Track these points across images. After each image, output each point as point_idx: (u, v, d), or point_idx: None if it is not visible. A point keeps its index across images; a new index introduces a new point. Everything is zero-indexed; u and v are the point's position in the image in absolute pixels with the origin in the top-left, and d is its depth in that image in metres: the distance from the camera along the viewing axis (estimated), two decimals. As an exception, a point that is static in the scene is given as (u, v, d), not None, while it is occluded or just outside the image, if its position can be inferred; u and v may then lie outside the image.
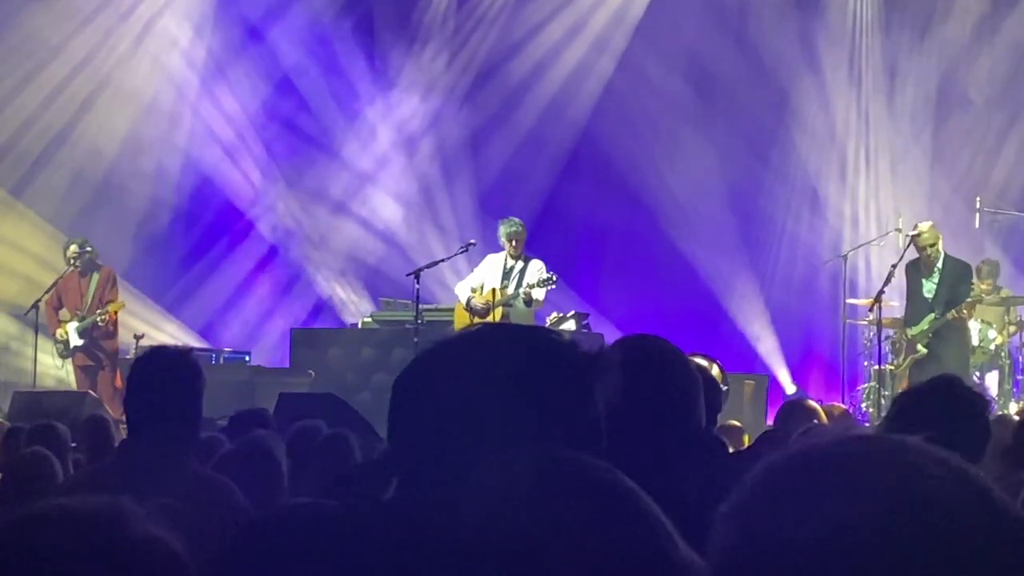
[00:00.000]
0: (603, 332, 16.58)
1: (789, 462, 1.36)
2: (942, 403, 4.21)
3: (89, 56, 18.29)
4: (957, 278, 13.69)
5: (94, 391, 14.83)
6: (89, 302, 15.23)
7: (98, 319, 15.02)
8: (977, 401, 4.34)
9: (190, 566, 1.61)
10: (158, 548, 1.58)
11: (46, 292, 15.63)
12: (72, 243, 15.42)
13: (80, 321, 15.12)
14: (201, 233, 19.25)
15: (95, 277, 15.35)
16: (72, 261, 15.33)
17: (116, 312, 15.13)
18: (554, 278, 14.21)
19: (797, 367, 18.05)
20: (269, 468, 5.26)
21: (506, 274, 14.28)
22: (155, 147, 18.62)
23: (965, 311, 13.60)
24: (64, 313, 15.33)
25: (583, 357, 2.12)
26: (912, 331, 13.76)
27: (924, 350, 13.65)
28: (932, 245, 13.64)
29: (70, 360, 15.39)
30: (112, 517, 1.57)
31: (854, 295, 15.78)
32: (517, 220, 14.65)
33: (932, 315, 13.63)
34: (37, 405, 11.97)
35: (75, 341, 15.12)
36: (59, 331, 15.26)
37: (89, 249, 15.41)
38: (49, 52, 17.95)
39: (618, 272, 19.09)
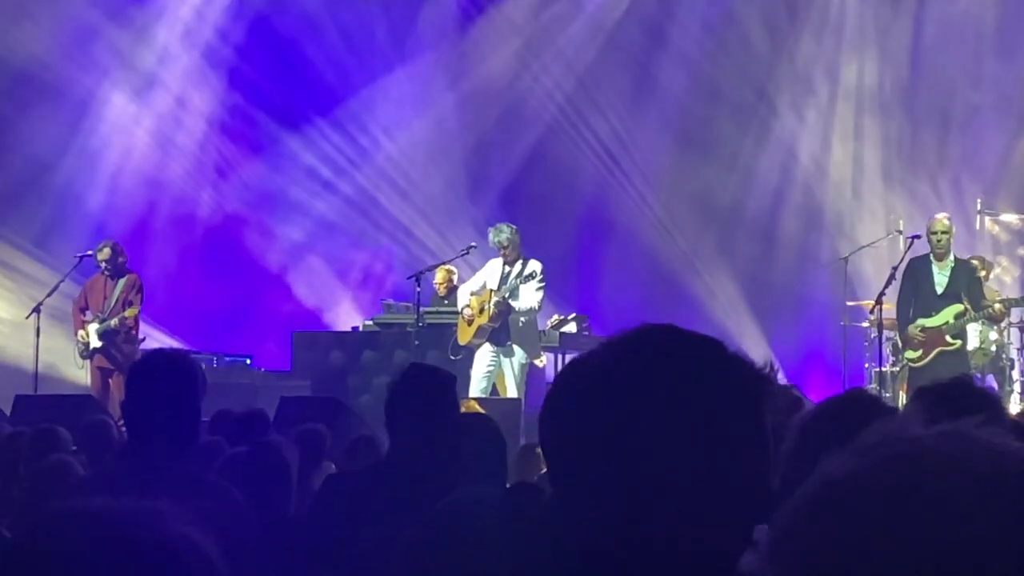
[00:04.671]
0: (604, 335, 16.60)
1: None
2: (968, 401, 4.13)
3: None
4: (970, 278, 13.73)
5: (108, 393, 14.86)
6: (112, 305, 15.24)
7: (113, 323, 15.05)
8: (997, 401, 4.29)
9: (222, 568, 1.61)
10: (195, 548, 1.58)
11: (47, 295, 15.62)
12: (105, 246, 15.40)
13: (100, 323, 15.15)
14: (201, 235, 19.27)
15: (121, 282, 15.35)
16: (104, 264, 15.35)
17: (132, 317, 15.13)
18: (537, 274, 14.08)
19: (796, 370, 18.03)
20: (280, 472, 5.27)
21: (504, 278, 14.24)
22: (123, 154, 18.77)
23: (999, 308, 13.73)
24: (89, 315, 15.37)
25: (755, 373, 1.86)
26: (931, 322, 13.68)
27: (956, 342, 13.64)
28: (945, 233, 13.63)
29: (89, 361, 15.40)
30: (151, 516, 1.57)
31: (854, 298, 15.77)
32: (506, 226, 14.42)
33: (957, 307, 13.59)
34: (39, 408, 11.97)
35: (95, 343, 15.15)
36: (81, 332, 15.29)
37: (121, 257, 15.39)
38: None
39: (619, 274, 19.10)
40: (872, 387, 14.93)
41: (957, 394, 4.05)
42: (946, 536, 1.11)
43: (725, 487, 1.75)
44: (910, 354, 13.82)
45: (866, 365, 15.48)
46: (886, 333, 14.46)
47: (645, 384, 1.77)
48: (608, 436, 1.76)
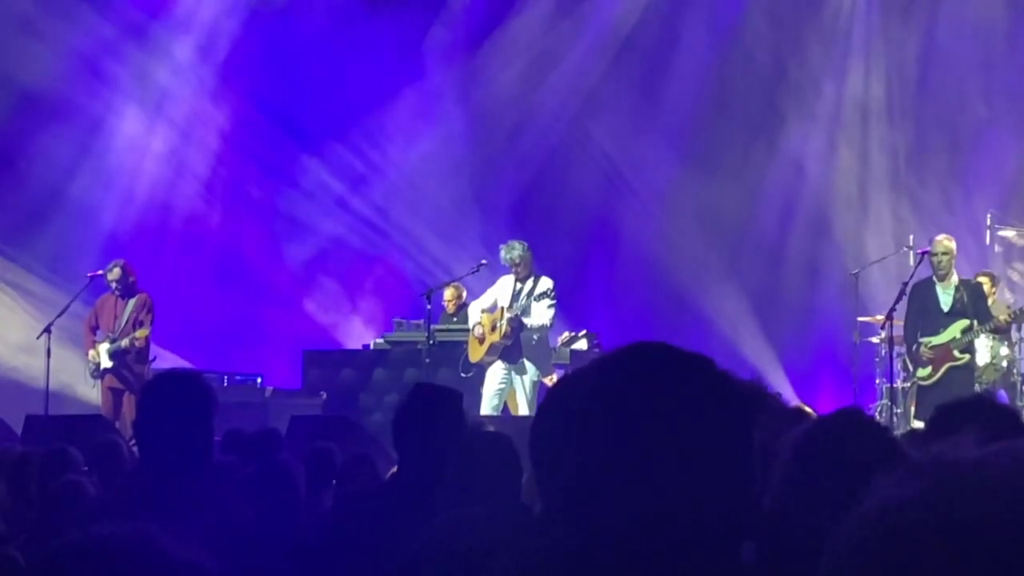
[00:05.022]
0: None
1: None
2: (988, 418, 4.07)
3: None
4: (975, 295, 13.78)
5: (120, 413, 14.88)
6: (123, 325, 15.25)
7: (124, 343, 15.07)
8: (1017, 416, 4.22)
9: None
10: (198, 572, 1.60)
11: (58, 316, 15.66)
12: (115, 266, 15.40)
13: (111, 343, 15.16)
14: (212, 253, 19.29)
15: (132, 301, 15.36)
16: (114, 284, 15.36)
17: (143, 337, 15.13)
18: (549, 291, 14.10)
19: (807, 386, 18.00)
20: (288, 491, 5.27)
21: (515, 295, 14.24)
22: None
23: (1004, 318, 13.75)
24: (100, 335, 15.40)
25: (743, 391, 1.88)
26: (938, 339, 13.71)
27: (964, 356, 13.67)
28: (946, 254, 13.68)
29: (100, 381, 15.41)
30: (157, 543, 1.59)
31: (864, 313, 15.75)
32: (516, 243, 14.41)
33: (963, 322, 13.64)
34: (50, 428, 11.99)
35: (105, 363, 15.16)
36: (92, 352, 15.30)
37: (132, 278, 15.40)
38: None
39: (628, 290, 19.09)
40: (883, 403, 14.92)
41: (977, 410, 4.02)
42: (1013, 557, 1.07)
43: (711, 502, 1.77)
44: (920, 372, 13.84)
45: (877, 381, 15.45)
46: (897, 349, 14.46)
47: (634, 401, 1.80)
48: (598, 452, 1.78)
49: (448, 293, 15.70)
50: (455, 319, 15.49)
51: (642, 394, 1.81)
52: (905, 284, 13.99)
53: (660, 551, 1.76)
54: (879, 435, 3.43)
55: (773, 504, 2.08)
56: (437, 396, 5.29)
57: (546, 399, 1.92)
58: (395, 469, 5.59)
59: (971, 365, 13.71)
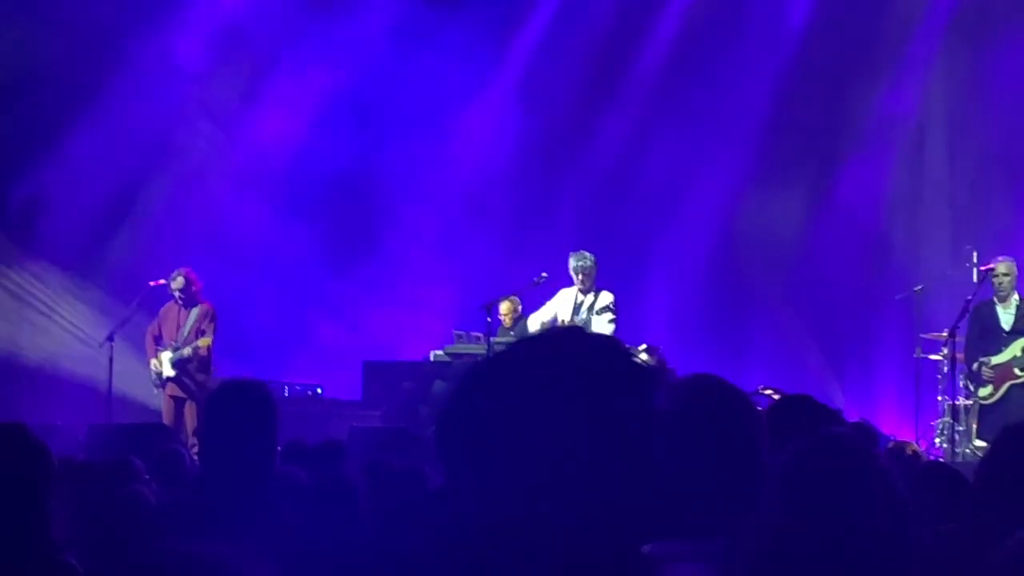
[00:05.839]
0: (675, 366, 16.54)
1: None
2: None
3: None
4: None
5: (181, 422, 14.98)
6: (186, 335, 15.35)
7: (186, 352, 15.16)
8: None
9: None
10: None
11: (121, 324, 15.78)
12: (178, 275, 15.49)
13: (173, 352, 15.26)
14: (273, 263, 19.37)
15: (195, 311, 15.46)
16: (177, 294, 15.46)
17: (206, 347, 15.21)
18: (611, 306, 14.08)
19: (868, 403, 17.87)
20: (350, 504, 5.27)
21: (576, 308, 14.22)
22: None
23: None
24: (163, 343, 15.51)
25: (643, 368, 2.03)
26: (999, 359, 13.66)
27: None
28: (1007, 275, 13.65)
29: (163, 389, 15.51)
30: (222, 564, 1.59)
31: (927, 330, 15.63)
32: (588, 254, 14.45)
33: (1023, 340, 13.59)
34: (112, 438, 12.07)
35: (168, 372, 15.25)
36: (154, 361, 15.39)
37: (196, 287, 15.48)
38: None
39: (689, 306, 19.03)
40: (945, 420, 14.81)
41: None
42: None
43: (613, 474, 1.91)
44: (981, 392, 13.77)
45: (939, 398, 15.34)
46: (959, 366, 14.36)
47: (538, 382, 1.95)
48: (503, 431, 1.93)
49: (504, 307, 15.69)
50: (512, 332, 15.48)
51: (545, 375, 1.95)
52: (968, 301, 13.93)
53: (563, 523, 1.89)
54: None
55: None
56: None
57: (454, 388, 2.07)
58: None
59: None
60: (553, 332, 2.08)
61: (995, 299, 13.83)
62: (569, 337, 2.04)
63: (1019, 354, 13.60)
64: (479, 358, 2.06)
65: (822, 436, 2.51)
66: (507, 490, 1.92)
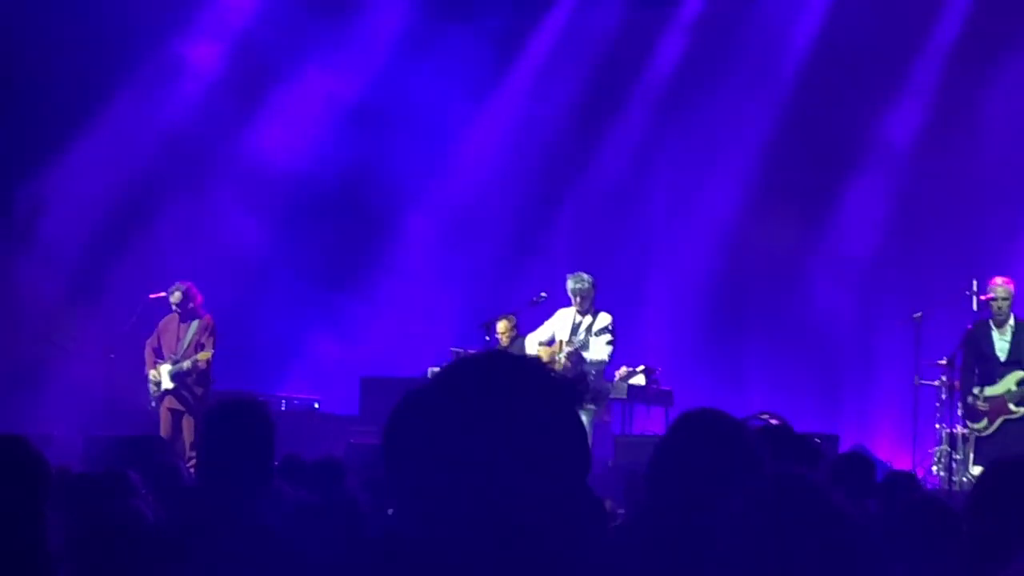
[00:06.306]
0: (672, 388, 16.56)
1: None
2: None
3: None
4: None
5: (179, 434, 14.97)
6: (184, 348, 15.36)
7: (185, 365, 15.17)
8: None
9: None
10: None
11: (120, 337, 15.81)
12: (177, 289, 15.52)
13: (173, 365, 15.27)
14: (270, 278, 19.38)
15: (195, 324, 15.48)
16: (176, 307, 15.48)
17: (205, 361, 15.22)
18: (609, 327, 14.08)
19: (866, 429, 17.87)
20: (355, 522, 5.28)
21: (574, 328, 14.23)
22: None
23: None
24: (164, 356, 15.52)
25: (562, 383, 2.20)
26: (993, 390, 13.60)
27: (1020, 410, 13.52)
28: (1005, 299, 13.59)
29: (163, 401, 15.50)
30: None
31: (925, 358, 15.63)
32: (585, 276, 14.42)
33: (1018, 373, 13.51)
34: (110, 449, 12.07)
35: (167, 384, 15.26)
36: (152, 372, 15.40)
37: (192, 302, 15.49)
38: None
39: (687, 327, 19.04)
40: (943, 448, 14.79)
41: None
42: None
43: (546, 487, 2.07)
44: (976, 425, 13.73)
45: (937, 426, 15.32)
46: (957, 394, 14.34)
47: (470, 402, 2.12)
48: (441, 451, 2.09)
49: (501, 325, 15.68)
50: (509, 351, 15.49)
51: (477, 396, 2.13)
52: (967, 329, 13.92)
53: (503, 533, 2.04)
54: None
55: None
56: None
57: (394, 409, 2.25)
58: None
59: None
60: (481, 354, 2.26)
61: (991, 323, 13.76)
62: (495, 358, 2.23)
63: (1013, 388, 13.53)
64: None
65: (767, 481, 2.57)
66: (444, 498, 2.09)
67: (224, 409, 4.65)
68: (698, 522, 3.01)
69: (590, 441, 12.29)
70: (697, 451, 3.42)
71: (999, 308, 13.63)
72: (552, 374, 2.20)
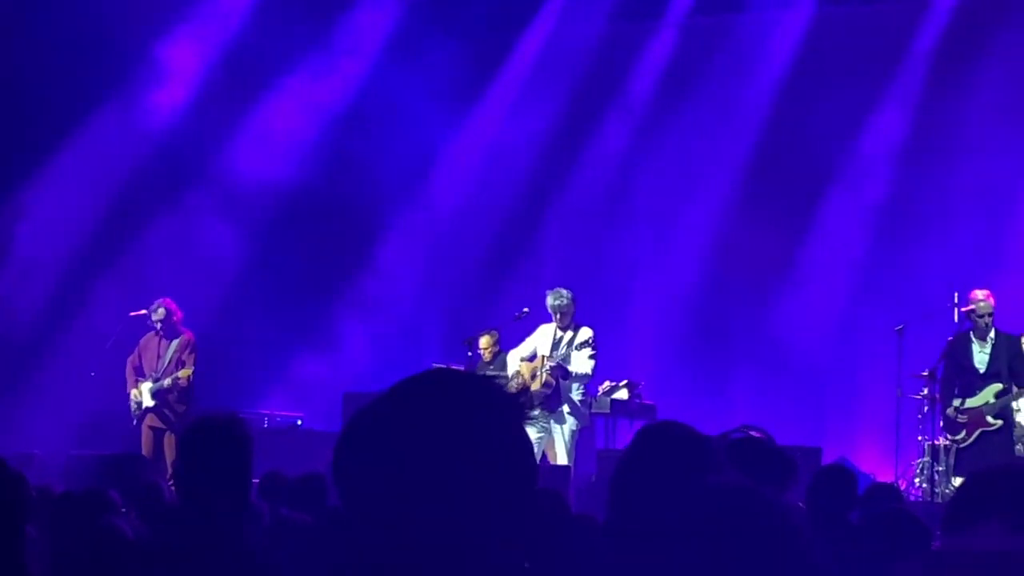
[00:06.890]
0: (656, 402, 16.55)
1: None
2: (1014, 496, 3.98)
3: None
4: (1012, 353, 13.64)
5: (161, 452, 14.94)
6: (165, 365, 15.34)
7: (166, 383, 15.15)
8: None
9: None
10: None
11: (101, 354, 15.77)
12: (159, 306, 15.50)
13: (153, 383, 15.24)
14: (253, 297, 19.34)
15: (175, 342, 15.45)
16: (158, 324, 15.45)
17: (186, 378, 15.20)
18: (590, 341, 14.10)
19: (848, 440, 17.87)
20: (335, 539, 5.26)
21: (555, 343, 14.24)
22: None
23: None
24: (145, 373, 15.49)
25: (508, 398, 2.23)
26: (972, 402, 13.62)
27: (998, 422, 13.55)
28: (986, 312, 13.61)
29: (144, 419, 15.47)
30: None
31: (908, 370, 15.65)
32: (564, 292, 14.43)
33: (996, 386, 13.53)
34: (91, 468, 12.02)
35: (148, 402, 15.24)
36: (134, 391, 15.38)
37: (176, 317, 15.47)
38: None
39: (670, 341, 19.05)
40: (925, 460, 14.82)
41: (1008, 485, 3.94)
42: None
43: (493, 497, 2.12)
44: (954, 436, 13.76)
45: (919, 438, 15.35)
46: (940, 406, 14.36)
47: (418, 418, 2.16)
48: (390, 465, 2.13)
49: (483, 341, 15.68)
50: (491, 367, 15.48)
51: (424, 412, 2.17)
52: (949, 340, 13.94)
53: (450, 541, 2.09)
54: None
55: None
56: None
57: (347, 424, 2.25)
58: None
59: (1005, 431, 13.58)
60: (428, 373, 2.28)
61: (972, 335, 13.78)
62: (442, 376, 2.25)
63: (992, 400, 13.56)
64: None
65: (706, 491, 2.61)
66: (392, 514, 2.13)
67: (199, 427, 4.64)
68: (656, 533, 3.03)
69: (569, 458, 12.30)
70: (657, 464, 3.46)
71: (980, 317, 13.65)
72: (496, 388, 2.25)
